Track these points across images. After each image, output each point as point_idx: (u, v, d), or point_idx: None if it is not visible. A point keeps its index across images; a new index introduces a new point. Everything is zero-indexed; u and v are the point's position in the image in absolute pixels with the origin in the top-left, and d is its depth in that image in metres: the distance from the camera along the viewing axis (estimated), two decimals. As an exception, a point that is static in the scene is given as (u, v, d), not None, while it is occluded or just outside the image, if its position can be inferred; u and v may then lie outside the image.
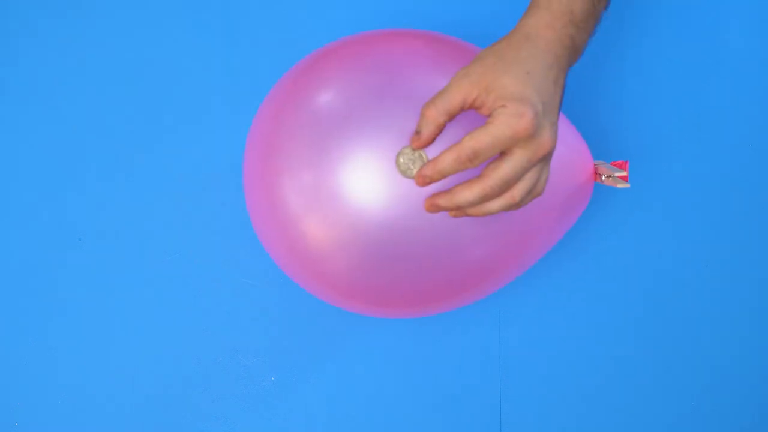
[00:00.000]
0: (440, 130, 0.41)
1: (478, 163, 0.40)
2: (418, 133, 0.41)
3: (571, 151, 0.51)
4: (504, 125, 0.38)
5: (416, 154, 0.44)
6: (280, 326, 0.66)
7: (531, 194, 0.43)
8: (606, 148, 0.66)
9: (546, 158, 0.41)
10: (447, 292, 0.50)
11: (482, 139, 0.39)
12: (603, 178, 0.52)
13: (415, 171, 0.44)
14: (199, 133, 0.66)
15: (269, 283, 0.66)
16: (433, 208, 0.42)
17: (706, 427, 0.67)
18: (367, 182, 0.45)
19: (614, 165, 0.52)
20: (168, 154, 0.66)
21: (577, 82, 0.67)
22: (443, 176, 0.41)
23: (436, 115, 0.40)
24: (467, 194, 0.40)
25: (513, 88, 0.39)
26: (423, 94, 0.45)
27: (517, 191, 0.41)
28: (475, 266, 0.48)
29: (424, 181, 0.41)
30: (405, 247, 0.46)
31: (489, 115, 0.40)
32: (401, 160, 0.44)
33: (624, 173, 0.50)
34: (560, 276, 0.67)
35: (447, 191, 0.41)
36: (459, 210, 0.42)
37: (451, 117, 0.41)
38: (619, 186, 0.50)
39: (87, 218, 0.65)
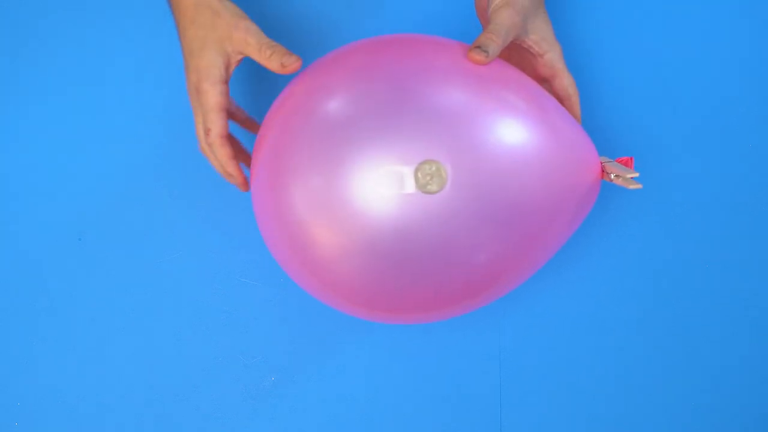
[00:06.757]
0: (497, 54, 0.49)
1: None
2: (486, 52, 0.47)
3: (578, 149, 0.50)
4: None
5: (434, 169, 0.44)
6: (280, 326, 0.66)
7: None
8: (607, 147, 0.66)
9: None
10: (457, 298, 0.49)
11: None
12: (612, 177, 0.50)
13: (434, 186, 0.44)
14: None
15: (269, 283, 0.66)
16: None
17: (706, 428, 0.67)
18: (375, 190, 0.44)
19: (620, 161, 0.51)
20: (168, 154, 0.66)
21: (578, 80, 0.66)
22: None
23: (497, 39, 0.48)
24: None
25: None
26: (432, 103, 0.45)
27: None
28: (484, 271, 0.48)
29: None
30: (413, 254, 0.45)
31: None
32: (419, 175, 0.44)
33: (636, 173, 0.48)
34: (560, 277, 0.66)
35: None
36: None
37: (505, 44, 0.49)
38: (631, 187, 0.47)
39: (87, 218, 0.65)
